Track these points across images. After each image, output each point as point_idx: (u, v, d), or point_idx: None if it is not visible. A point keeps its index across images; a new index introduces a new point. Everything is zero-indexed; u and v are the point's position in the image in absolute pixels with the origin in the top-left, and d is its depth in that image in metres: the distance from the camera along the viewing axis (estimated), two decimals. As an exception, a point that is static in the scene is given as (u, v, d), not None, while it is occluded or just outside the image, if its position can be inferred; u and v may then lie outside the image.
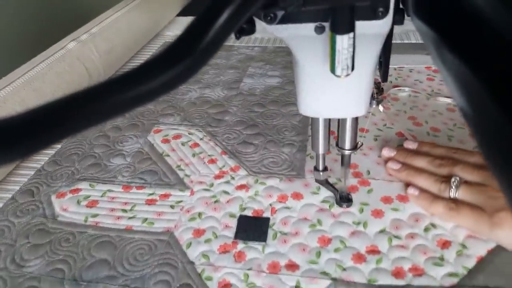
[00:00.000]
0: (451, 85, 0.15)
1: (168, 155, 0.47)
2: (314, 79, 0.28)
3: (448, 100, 0.53)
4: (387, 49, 0.31)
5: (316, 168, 0.38)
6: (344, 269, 0.33)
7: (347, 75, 0.23)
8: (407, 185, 0.39)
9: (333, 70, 0.23)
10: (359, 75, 0.26)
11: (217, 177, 0.43)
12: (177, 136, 0.50)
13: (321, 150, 0.36)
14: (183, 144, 0.49)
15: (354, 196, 0.39)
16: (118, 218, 0.39)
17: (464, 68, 0.13)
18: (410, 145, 0.43)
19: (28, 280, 0.34)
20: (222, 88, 0.62)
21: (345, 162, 0.36)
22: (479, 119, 0.13)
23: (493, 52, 0.12)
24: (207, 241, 0.36)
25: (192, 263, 0.34)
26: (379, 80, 0.35)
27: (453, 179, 0.36)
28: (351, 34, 0.22)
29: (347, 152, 0.35)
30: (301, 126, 0.52)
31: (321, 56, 0.26)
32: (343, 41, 0.22)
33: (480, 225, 0.34)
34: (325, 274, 0.33)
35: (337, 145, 0.35)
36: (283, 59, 0.70)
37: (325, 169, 0.38)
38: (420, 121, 0.50)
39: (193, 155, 0.47)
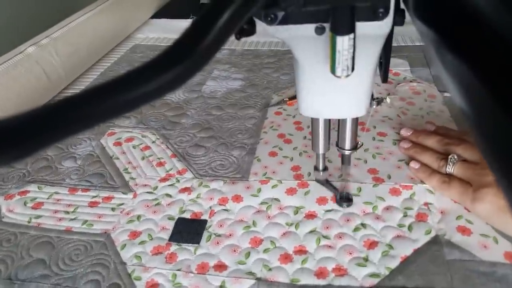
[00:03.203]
0: (451, 85, 0.15)
1: (117, 158, 0.48)
2: (314, 80, 0.29)
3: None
4: (387, 50, 0.31)
5: (316, 168, 0.38)
6: (270, 269, 0.34)
7: (347, 76, 0.23)
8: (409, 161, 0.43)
9: (333, 71, 0.23)
10: (359, 76, 0.26)
11: (163, 180, 0.44)
12: (129, 139, 0.51)
13: (321, 150, 0.36)
14: (134, 147, 0.49)
15: (290, 198, 0.40)
16: (60, 219, 0.40)
17: (464, 68, 0.14)
18: (429, 126, 0.47)
19: (-37, 281, 0.35)
20: (183, 90, 0.62)
21: (345, 162, 0.37)
22: (479, 119, 0.14)
23: (493, 52, 0.12)
24: (142, 242, 0.37)
25: (124, 263, 0.35)
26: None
27: (450, 157, 0.39)
28: (352, 35, 0.22)
29: (347, 152, 0.35)
30: (254, 129, 0.52)
31: (322, 57, 0.26)
32: (343, 42, 0.22)
33: (464, 199, 0.37)
34: (250, 274, 0.34)
35: (337, 145, 0.36)
36: (249, 62, 0.71)
37: (325, 169, 0.38)
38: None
39: (142, 158, 0.47)
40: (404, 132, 0.46)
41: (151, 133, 0.52)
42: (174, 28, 0.86)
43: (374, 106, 0.33)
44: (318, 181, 0.40)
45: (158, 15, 0.94)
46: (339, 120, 0.34)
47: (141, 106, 0.14)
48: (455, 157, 0.39)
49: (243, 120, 0.54)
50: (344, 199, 0.39)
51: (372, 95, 0.32)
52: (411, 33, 0.74)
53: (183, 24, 0.90)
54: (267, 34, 0.26)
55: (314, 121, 0.34)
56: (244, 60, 0.72)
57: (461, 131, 0.46)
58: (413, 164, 0.42)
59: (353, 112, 0.31)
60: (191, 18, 0.88)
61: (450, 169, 0.39)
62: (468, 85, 0.13)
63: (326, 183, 0.40)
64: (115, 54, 0.75)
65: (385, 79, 0.34)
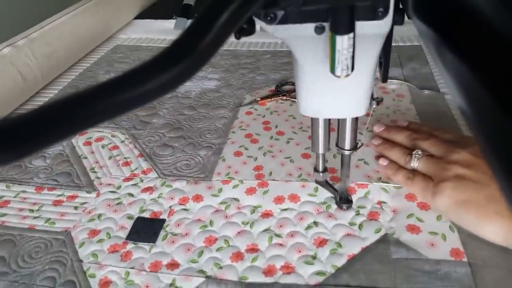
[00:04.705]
0: (451, 85, 0.15)
1: (85, 158, 0.49)
2: (314, 79, 0.29)
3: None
4: (387, 49, 0.31)
5: (316, 169, 0.38)
6: (221, 267, 0.35)
7: (347, 75, 0.24)
8: (378, 157, 0.44)
9: (333, 70, 0.24)
10: (359, 75, 0.27)
11: (127, 179, 0.45)
12: (99, 139, 0.52)
13: (321, 150, 0.36)
14: (103, 146, 0.50)
15: (249, 197, 0.41)
16: (24, 217, 0.41)
17: (464, 68, 0.14)
18: (401, 122, 0.47)
19: None
20: (159, 91, 0.63)
21: (345, 162, 0.37)
22: (479, 119, 0.14)
23: (493, 52, 0.12)
24: (100, 241, 0.38)
25: (81, 261, 0.36)
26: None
27: (414, 152, 0.40)
28: (351, 34, 0.22)
29: (347, 152, 0.36)
30: (223, 129, 0.53)
31: (321, 57, 0.26)
32: (343, 41, 0.22)
33: (425, 194, 0.37)
34: (201, 272, 0.35)
35: (337, 145, 0.36)
36: (227, 62, 0.72)
37: (325, 170, 0.38)
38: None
39: (110, 157, 0.48)
40: (377, 128, 0.47)
41: (121, 133, 0.53)
42: (157, 29, 0.87)
43: (374, 106, 0.34)
44: (317, 182, 0.40)
45: (142, 15, 0.94)
46: (338, 120, 0.34)
47: (139, 106, 0.14)
48: (419, 152, 0.39)
49: (213, 120, 0.55)
50: (344, 200, 0.39)
51: (372, 95, 0.32)
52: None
53: (166, 24, 0.90)
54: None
55: (314, 121, 0.34)
56: (222, 60, 0.73)
57: (432, 127, 0.46)
58: (382, 161, 0.43)
59: (353, 112, 0.31)
60: (174, 19, 0.89)
61: (414, 164, 0.39)
62: (468, 85, 0.14)
63: (326, 184, 0.40)
64: (95, 55, 0.76)
65: (385, 79, 0.34)
